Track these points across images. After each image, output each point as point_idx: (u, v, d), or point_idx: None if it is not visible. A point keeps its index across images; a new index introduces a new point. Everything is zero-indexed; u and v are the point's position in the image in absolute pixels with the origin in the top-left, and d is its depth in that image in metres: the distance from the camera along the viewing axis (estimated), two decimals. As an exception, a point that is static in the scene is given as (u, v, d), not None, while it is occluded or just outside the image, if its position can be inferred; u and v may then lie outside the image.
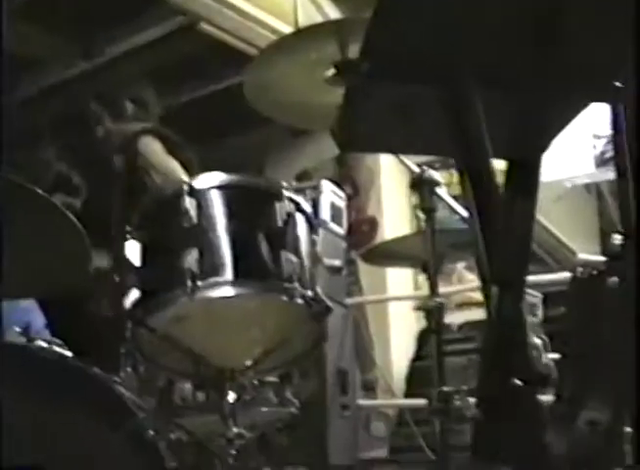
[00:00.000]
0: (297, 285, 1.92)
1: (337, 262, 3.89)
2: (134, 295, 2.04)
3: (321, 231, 3.80)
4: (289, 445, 3.71)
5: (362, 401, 4.20)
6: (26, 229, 1.86)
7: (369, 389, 4.57)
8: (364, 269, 4.75)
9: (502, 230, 1.26)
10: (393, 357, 5.10)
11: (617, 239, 2.57)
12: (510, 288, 1.26)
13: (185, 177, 2.81)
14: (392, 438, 4.52)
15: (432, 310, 2.10)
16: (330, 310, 2.01)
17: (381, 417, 4.76)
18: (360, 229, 4.80)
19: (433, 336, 2.11)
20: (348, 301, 4.00)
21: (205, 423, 2.20)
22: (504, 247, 1.27)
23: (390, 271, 5.12)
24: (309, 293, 1.96)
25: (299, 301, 1.93)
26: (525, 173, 1.40)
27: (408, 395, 4.48)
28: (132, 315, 1.98)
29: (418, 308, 2.16)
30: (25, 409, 1.76)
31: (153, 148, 3.05)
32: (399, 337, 5.17)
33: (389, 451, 4.48)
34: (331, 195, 4.00)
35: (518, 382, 1.24)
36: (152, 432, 1.75)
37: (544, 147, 1.53)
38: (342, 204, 4.08)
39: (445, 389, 2.03)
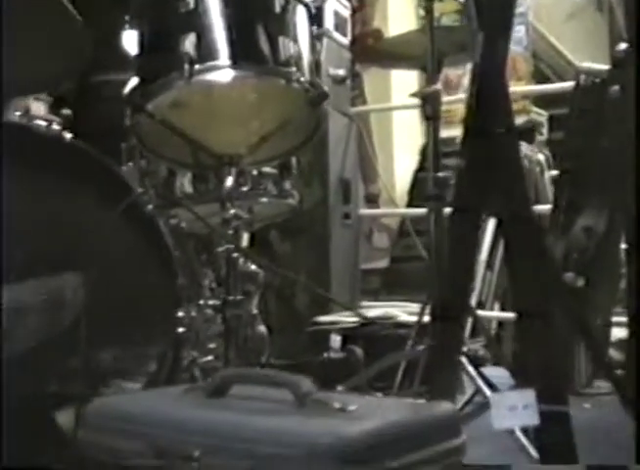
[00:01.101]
0: (294, 69, 1.93)
1: (340, 72, 3.88)
2: (133, 82, 2.04)
3: (325, 40, 3.80)
4: (292, 252, 3.80)
5: (364, 211, 4.26)
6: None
7: (371, 201, 4.61)
8: (369, 83, 4.71)
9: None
10: (397, 169, 5.12)
11: (622, 47, 2.55)
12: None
13: None
14: (394, 249, 4.61)
15: (428, 98, 2.11)
16: (326, 96, 2.02)
17: (382, 229, 4.84)
18: (365, 42, 4.73)
19: (429, 124, 2.12)
20: (352, 110, 4.00)
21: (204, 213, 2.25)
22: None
23: (396, 84, 5.08)
24: (307, 78, 1.97)
25: (296, 85, 1.94)
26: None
27: (410, 206, 4.54)
28: (131, 101, 1.99)
29: (414, 95, 2.16)
30: (27, 188, 1.81)
31: None
32: (403, 149, 5.17)
33: (390, 261, 4.57)
34: (335, 3, 3.93)
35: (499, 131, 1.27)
36: (150, 208, 1.78)
37: None
38: (346, 13, 4.02)
39: (441, 174, 2.06)
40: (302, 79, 1.95)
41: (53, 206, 1.79)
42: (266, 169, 2.34)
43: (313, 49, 2.09)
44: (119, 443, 1.24)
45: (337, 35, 3.89)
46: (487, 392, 2.00)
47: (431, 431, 1.21)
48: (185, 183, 2.33)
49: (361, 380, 2.27)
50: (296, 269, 3.75)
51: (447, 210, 2.15)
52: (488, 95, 1.29)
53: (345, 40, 3.96)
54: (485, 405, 2.05)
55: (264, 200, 2.33)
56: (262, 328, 2.34)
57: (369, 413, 1.17)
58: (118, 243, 1.71)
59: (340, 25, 3.95)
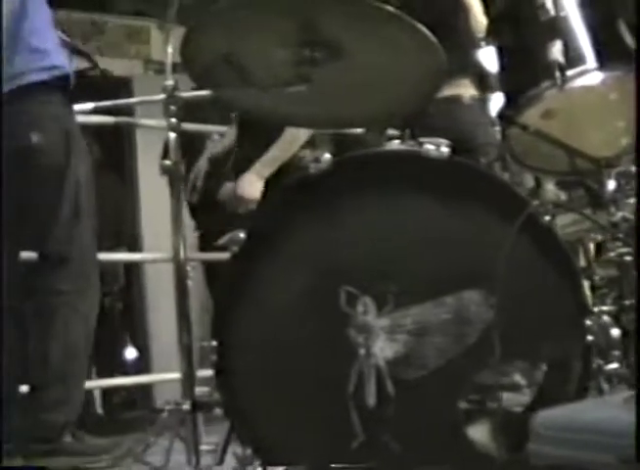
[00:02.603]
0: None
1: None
2: (499, 98, 2.07)
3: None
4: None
5: None
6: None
7: None
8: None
9: None
10: None
11: None
12: None
13: None
14: None
15: None
16: None
17: None
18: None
19: None
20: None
21: (574, 220, 2.23)
22: None
23: None
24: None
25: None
26: None
27: None
28: (503, 116, 2.01)
29: None
30: (420, 212, 1.88)
31: None
32: None
33: None
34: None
35: None
36: (547, 218, 1.78)
37: None
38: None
39: None
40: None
41: (452, 226, 1.84)
42: (629, 168, 2.28)
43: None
44: (581, 454, 1.25)
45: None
46: None
47: None
48: (551, 191, 2.33)
49: None
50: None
51: None
52: None
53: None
54: None
55: (632, 200, 2.27)
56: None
57: None
58: (518, 256, 1.73)
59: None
